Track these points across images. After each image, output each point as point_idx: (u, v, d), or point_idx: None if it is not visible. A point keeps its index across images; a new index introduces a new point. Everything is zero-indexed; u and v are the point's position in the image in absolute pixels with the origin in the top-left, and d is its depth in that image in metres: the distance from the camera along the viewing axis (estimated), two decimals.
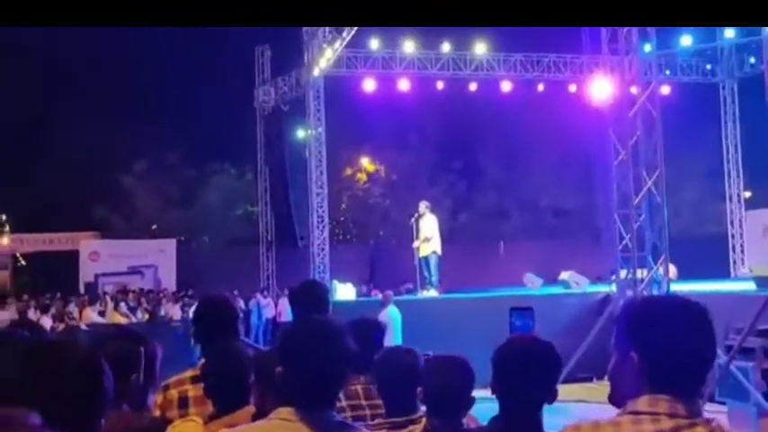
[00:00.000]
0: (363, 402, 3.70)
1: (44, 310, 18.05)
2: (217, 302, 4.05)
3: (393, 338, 10.88)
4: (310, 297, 4.28)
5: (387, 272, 22.66)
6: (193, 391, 3.63)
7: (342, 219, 35.30)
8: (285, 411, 2.42)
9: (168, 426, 3.38)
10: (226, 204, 35.03)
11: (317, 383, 2.42)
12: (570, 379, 12.32)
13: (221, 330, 3.81)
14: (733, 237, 24.16)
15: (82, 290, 24.13)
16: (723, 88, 24.26)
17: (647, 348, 2.06)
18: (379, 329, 4.20)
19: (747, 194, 25.04)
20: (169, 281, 26.02)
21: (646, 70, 14.31)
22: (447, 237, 19.84)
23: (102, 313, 18.50)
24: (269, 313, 21.63)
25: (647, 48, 14.50)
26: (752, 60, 22.87)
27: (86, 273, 26.08)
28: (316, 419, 2.39)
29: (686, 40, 23.10)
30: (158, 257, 26.86)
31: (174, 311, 19.84)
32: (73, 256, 26.51)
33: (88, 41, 31.65)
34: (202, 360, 3.71)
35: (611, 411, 2.20)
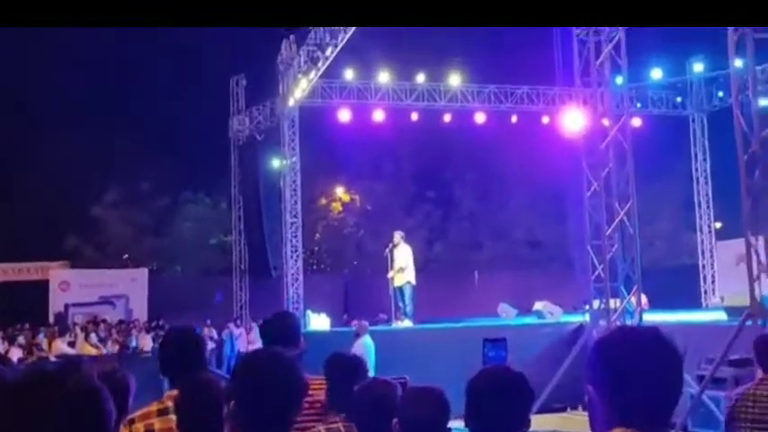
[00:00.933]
0: None
1: (11, 341, 17.68)
2: (183, 334, 3.99)
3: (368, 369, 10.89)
4: (280, 329, 4.24)
5: (361, 302, 22.29)
6: (159, 424, 3.57)
7: (316, 249, 34.95)
8: None
9: None
10: (199, 234, 34.65)
11: (267, 416, 2.43)
12: (544, 409, 12.30)
13: (188, 362, 3.75)
14: (704, 267, 24.25)
15: (51, 320, 23.72)
16: (693, 121, 24.51)
17: (618, 382, 2.08)
18: (362, 370, 4.16)
19: (718, 225, 25.19)
20: (141, 311, 25.61)
21: (617, 102, 14.36)
22: (422, 267, 19.70)
23: (72, 344, 18.17)
24: (242, 344, 21.25)
25: (619, 80, 14.54)
26: (720, 94, 23.14)
27: (56, 303, 25.62)
28: None
29: (656, 73, 23.39)
30: (130, 287, 26.48)
31: (145, 342, 19.55)
32: (42, 286, 26.04)
33: (57, 70, 31.49)
34: (168, 392, 3.66)
35: None
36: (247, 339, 20.76)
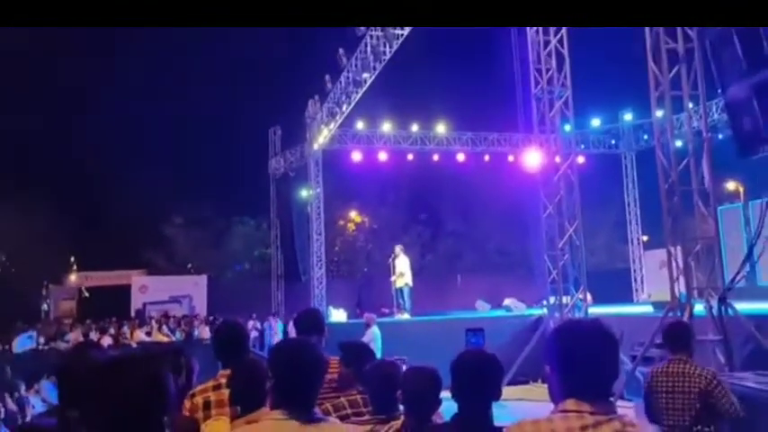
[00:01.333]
0: (363, 409, 3.62)
1: (103, 331, 17.52)
2: (231, 326, 3.91)
3: (376, 353, 10.33)
4: (309, 321, 4.16)
5: (370, 300, 21.24)
6: (214, 396, 3.52)
7: (335, 259, 34.28)
8: (276, 412, 2.41)
9: (199, 424, 3.26)
10: (246, 248, 34.64)
11: (296, 389, 2.40)
12: (512, 382, 12.18)
13: (235, 347, 3.69)
14: (635, 271, 23.84)
15: (133, 315, 23.48)
16: (624, 158, 24.13)
17: (569, 362, 2.04)
18: (370, 354, 4.12)
19: (645, 238, 24.72)
20: (201, 308, 25.36)
21: (566, 145, 14.20)
22: (417, 272, 19.30)
23: (149, 333, 17.77)
24: (277, 334, 20.39)
25: (567, 127, 14.37)
26: (645, 137, 22.84)
27: (137, 301, 25.37)
28: (301, 416, 2.37)
29: (596, 121, 23.19)
30: (193, 289, 26.19)
31: (204, 332, 18.92)
32: (126, 289, 25.89)
33: (143, 127, 31.77)
34: (222, 371, 3.60)
35: (545, 406, 2.17)
36: (274, 330, 20.06)
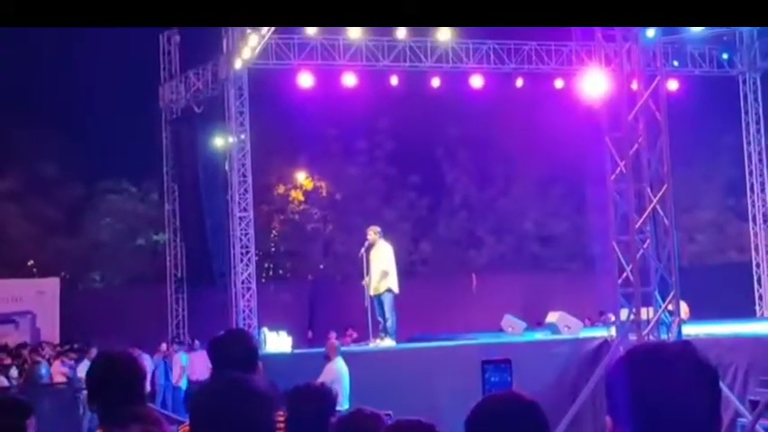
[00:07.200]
0: None
1: None
2: (118, 361, 3.98)
3: (341, 399, 10.51)
4: (232, 353, 4.20)
5: (329, 316, 21.99)
6: None
7: (272, 249, 34.50)
8: None
9: None
10: (123, 232, 34.38)
11: None
12: None
13: (123, 396, 3.76)
14: (758, 266, 23.77)
15: None
16: (743, 83, 23.99)
17: (641, 411, 2.08)
18: (332, 403, 4.23)
19: None
20: (51, 331, 25.29)
21: (649, 61, 14.26)
22: (405, 270, 19.69)
23: None
24: (178, 372, 20.82)
25: (651, 33, 14.35)
26: None
27: None
28: None
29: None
30: (36, 301, 26.10)
31: (57, 370, 19.08)
32: None
33: None
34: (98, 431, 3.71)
35: None
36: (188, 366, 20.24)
